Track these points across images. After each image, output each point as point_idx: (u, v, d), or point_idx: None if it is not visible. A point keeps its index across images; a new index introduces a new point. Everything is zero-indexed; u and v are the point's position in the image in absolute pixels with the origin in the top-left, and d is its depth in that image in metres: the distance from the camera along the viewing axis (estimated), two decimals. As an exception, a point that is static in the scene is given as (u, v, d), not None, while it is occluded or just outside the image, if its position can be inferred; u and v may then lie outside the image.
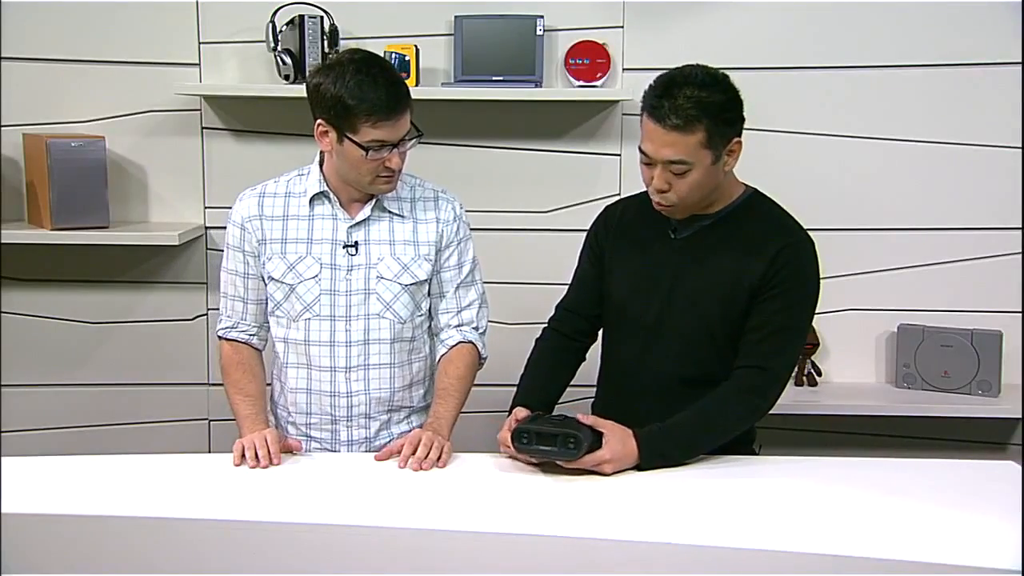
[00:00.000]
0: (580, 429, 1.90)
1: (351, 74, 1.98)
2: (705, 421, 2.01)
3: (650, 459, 1.94)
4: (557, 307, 2.31)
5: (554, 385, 2.23)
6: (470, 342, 2.23)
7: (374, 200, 2.14)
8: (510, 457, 1.97)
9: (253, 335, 2.24)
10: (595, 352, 2.31)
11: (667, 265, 2.10)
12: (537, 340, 2.30)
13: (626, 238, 2.18)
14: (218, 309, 2.26)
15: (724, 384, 2.04)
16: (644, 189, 2.08)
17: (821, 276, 3.02)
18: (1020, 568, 1.52)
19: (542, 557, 1.65)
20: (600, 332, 2.29)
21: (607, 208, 2.28)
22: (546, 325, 2.32)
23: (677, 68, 1.99)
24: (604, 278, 2.21)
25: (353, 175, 2.08)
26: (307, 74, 2.10)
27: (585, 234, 2.28)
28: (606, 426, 1.96)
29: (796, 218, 2.11)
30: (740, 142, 2.00)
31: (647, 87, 1.99)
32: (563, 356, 2.28)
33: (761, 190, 2.15)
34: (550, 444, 1.87)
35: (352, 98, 1.97)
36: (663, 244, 2.12)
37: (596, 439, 1.92)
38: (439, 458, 1.98)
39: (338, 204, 2.14)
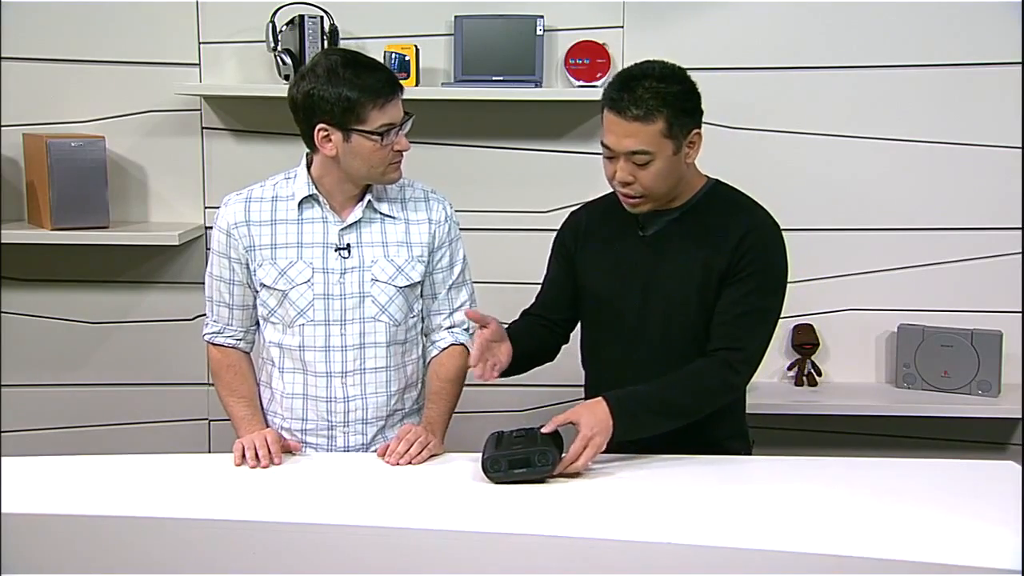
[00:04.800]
0: (546, 442, 1.91)
1: (342, 70, 2.00)
2: (676, 386, 2.01)
3: (622, 419, 1.94)
4: (522, 313, 2.30)
5: (529, 340, 2.19)
6: (461, 344, 2.23)
7: (365, 201, 2.13)
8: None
9: (240, 339, 2.23)
10: (578, 355, 2.30)
11: (639, 263, 2.11)
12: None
13: (595, 240, 2.19)
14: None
15: (697, 360, 2.05)
16: (603, 194, 2.10)
17: (820, 276, 3.02)
18: (1020, 568, 1.52)
19: (542, 557, 1.65)
20: (579, 335, 2.29)
21: (572, 215, 2.28)
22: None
23: (635, 64, 2.02)
24: (578, 282, 2.21)
25: (365, 169, 2.07)
26: (290, 86, 2.08)
27: (552, 243, 2.28)
28: (570, 414, 1.96)
29: (776, 216, 2.11)
30: (700, 133, 2.02)
31: (607, 84, 2.02)
32: (538, 329, 2.26)
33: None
34: (523, 466, 1.87)
35: (354, 90, 1.99)
36: (632, 242, 2.13)
37: (560, 442, 1.94)
38: (419, 453, 1.99)
39: (328, 207, 2.13)
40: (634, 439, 2.00)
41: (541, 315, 2.28)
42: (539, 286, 2.31)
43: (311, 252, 2.13)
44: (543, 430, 1.95)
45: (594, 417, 1.94)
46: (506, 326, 2.17)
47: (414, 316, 2.22)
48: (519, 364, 2.14)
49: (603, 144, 2.01)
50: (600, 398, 1.98)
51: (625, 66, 2.97)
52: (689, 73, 2.02)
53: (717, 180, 2.14)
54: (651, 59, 2.03)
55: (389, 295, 2.15)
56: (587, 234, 2.21)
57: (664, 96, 1.94)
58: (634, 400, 1.99)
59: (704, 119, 2.04)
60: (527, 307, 2.32)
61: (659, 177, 2.00)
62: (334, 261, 2.13)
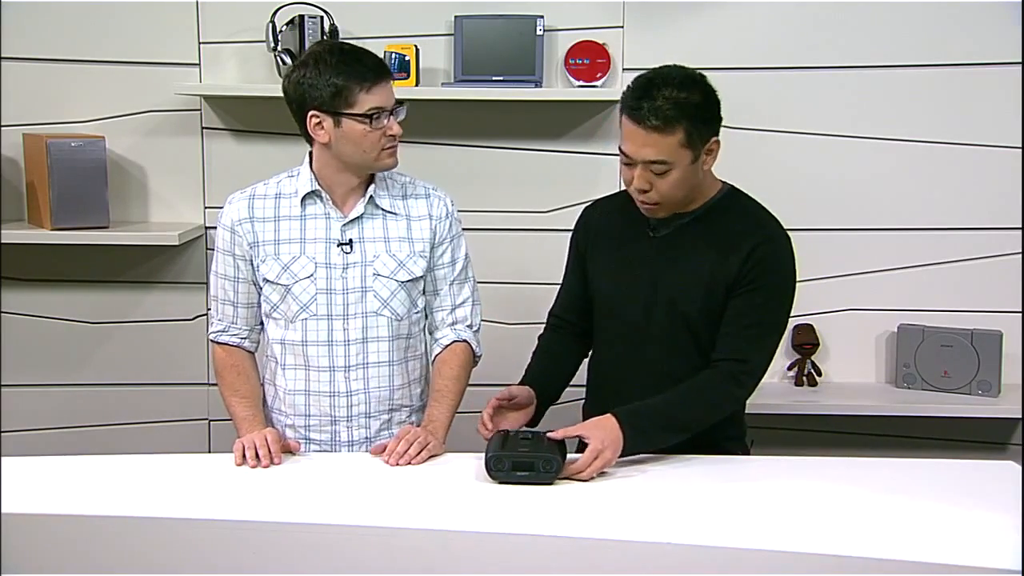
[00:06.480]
0: (552, 448, 1.91)
1: (330, 56, 2.04)
2: (682, 400, 2.03)
3: (632, 435, 1.95)
4: (549, 315, 2.33)
5: (560, 372, 2.26)
6: (464, 341, 2.23)
7: (367, 197, 2.14)
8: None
9: (245, 338, 2.24)
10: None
11: (647, 264, 2.12)
12: (540, 336, 2.33)
13: (606, 238, 2.19)
14: (215, 311, 2.26)
15: (702, 372, 2.06)
16: (619, 190, 2.10)
17: (820, 276, 3.02)
18: (1020, 568, 1.52)
19: (542, 557, 1.65)
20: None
21: (585, 210, 2.29)
22: (546, 323, 2.34)
23: (655, 69, 2.01)
24: (589, 280, 2.22)
25: (358, 155, 2.08)
26: (283, 80, 2.12)
27: (569, 238, 2.29)
28: (579, 428, 1.97)
29: (777, 215, 2.12)
30: (718, 141, 2.01)
31: (626, 88, 2.00)
32: (568, 344, 2.29)
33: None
34: (527, 470, 1.88)
35: (341, 75, 2.02)
36: (642, 243, 2.13)
37: (564, 449, 1.94)
38: (419, 454, 1.99)
39: (330, 203, 2.14)
40: (641, 453, 2.00)
41: (564, 319, 2.30)
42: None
43: (313, 247, 2.13)
44: (550, 435, 1.95)
45: (604, 432, 1.94)
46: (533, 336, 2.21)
47: (418, 311, 2.22)
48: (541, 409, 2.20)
49: (621, 151, 2.01)
50: (609, 415, 1.97)
51: (626, 66, 3.00)
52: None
53: (732, 186, 2.13)
54: (670, 64, 2.01)
55: (391, 290, 2.16)
56: (598, 232, 2.21)
57: (683, 106, 1.93)
58: (642, 416, 1.99)
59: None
60: (552, 307, 2.33)
61: (676, 185, 2.00)
62: (336, 256, 2.13)
